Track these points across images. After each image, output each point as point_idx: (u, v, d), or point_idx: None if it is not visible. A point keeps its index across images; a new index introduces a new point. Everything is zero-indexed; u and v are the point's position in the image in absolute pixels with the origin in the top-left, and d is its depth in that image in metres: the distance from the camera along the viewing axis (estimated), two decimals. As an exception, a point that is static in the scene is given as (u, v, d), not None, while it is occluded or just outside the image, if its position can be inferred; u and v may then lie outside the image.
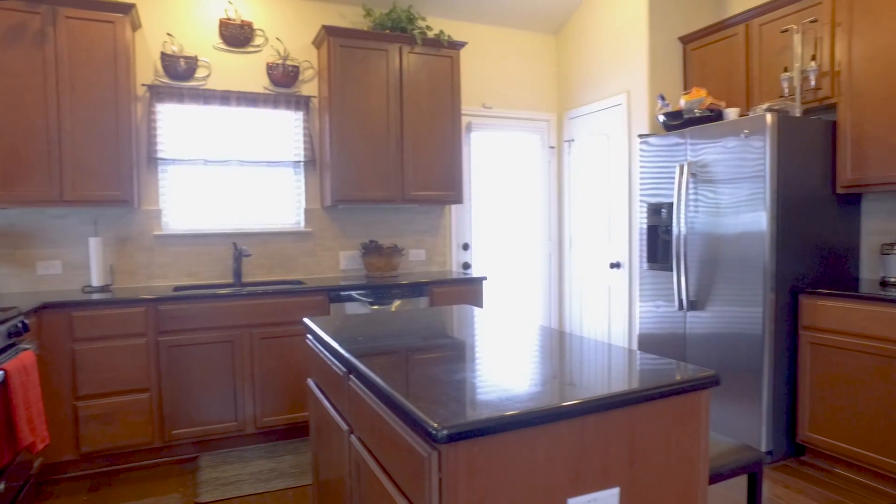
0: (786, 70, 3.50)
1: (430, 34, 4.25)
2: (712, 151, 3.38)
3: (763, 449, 3.20)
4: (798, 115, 3.33)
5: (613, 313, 4.51)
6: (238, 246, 4.01)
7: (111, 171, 3.43)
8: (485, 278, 4.18)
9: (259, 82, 4.09)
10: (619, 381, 1.32)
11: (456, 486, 1.08)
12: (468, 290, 4.09)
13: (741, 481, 2.96)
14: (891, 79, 2.99)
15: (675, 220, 3.60)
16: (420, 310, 2.56)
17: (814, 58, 3.35)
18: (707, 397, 1.37)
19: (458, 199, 4.30)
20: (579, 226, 4.85)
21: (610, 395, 1.23)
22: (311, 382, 2.29)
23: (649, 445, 1.28)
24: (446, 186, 4.27)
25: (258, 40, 4.09)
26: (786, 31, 3.50)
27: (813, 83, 3.33)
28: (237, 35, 3.99)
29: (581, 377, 1.37)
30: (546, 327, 2.04)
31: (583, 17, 4.72)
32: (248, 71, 4.06)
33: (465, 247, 4.77)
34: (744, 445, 1.83)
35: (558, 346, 1.74)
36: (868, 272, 3.43)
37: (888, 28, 2.99)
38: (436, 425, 1.05)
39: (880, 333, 2.79)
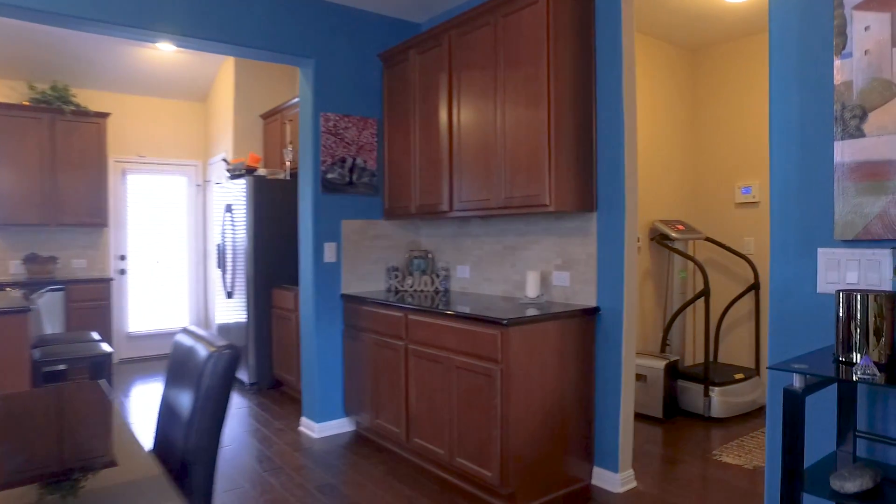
0: (290, 145, 5.57)
1: (84, 106, 5.97)
2: (241, 194, 5.35)
3: (248, 381, 5.20)
4: (284, 175, 5.39)
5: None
6: None
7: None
8: (112, 279, 5.93)
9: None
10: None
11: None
12: (103, 287, 5.84)
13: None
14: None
15: (223, 238, 5.57)
16: None
17: (291, 142, 5.44)
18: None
19: (104, 223, 6.02)
20: (213, 243, 6.73)
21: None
22: None
23: None
24: (95, 214, 5.98)
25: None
26: (287, 123, 5.58)
27: (290, 157, 5.42)
28: None
29: None
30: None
31: (216, 90, 6.64)
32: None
33: (123, 258, 6.49)
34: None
35: None
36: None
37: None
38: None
39: (290, 306, 4.86)
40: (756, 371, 4.61)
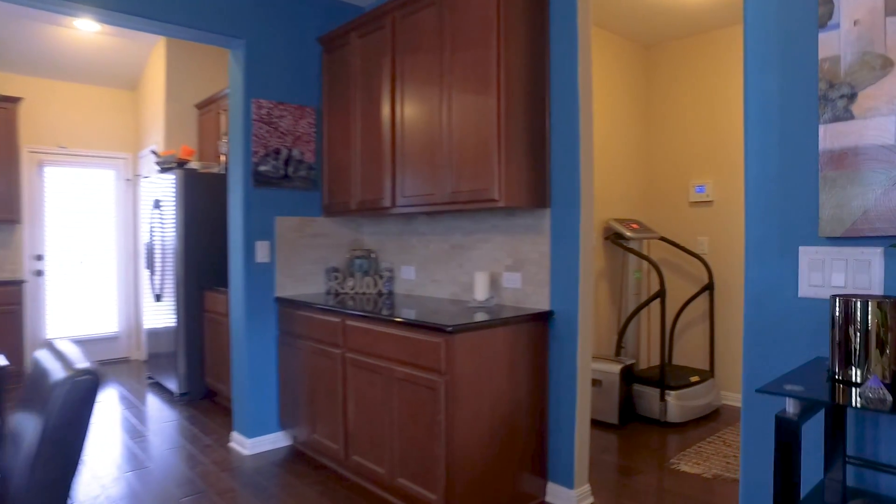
0: (225, 137, 5.17)
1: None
2: (171, 188, 4.92)
3: (177, 392, 4.79)
4: (219, 169, 4.99)
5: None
6: None
7: None
8: (25, 281, 5.40)
9: None
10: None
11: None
12: (14, 290, 5.31)
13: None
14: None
15: (151, 237, 5.12)
16: None
17: (226, 134, 5.05)
18: None
19: (16, 220, 5.49)
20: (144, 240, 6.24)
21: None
22: None
23: None
24: (5, 209, 5.44)
25: None
26: (223, 113, 5.18)
27: (225, 150, 5.02)
28: None
29: None
30: None
31: (147, 77, 6.16)
32: None
33: (40, 257, 5.95)
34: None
35: None
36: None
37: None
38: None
39: (223, 310, 4.47)
40: (711, 373, 4.48)
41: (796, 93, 1.56)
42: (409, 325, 2.70)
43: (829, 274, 1.46)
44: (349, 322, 3.11)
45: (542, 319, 2.89)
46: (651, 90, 5.09)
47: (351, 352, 3.10)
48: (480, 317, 2.71)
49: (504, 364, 2.71)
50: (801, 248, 1.56)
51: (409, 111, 3.23)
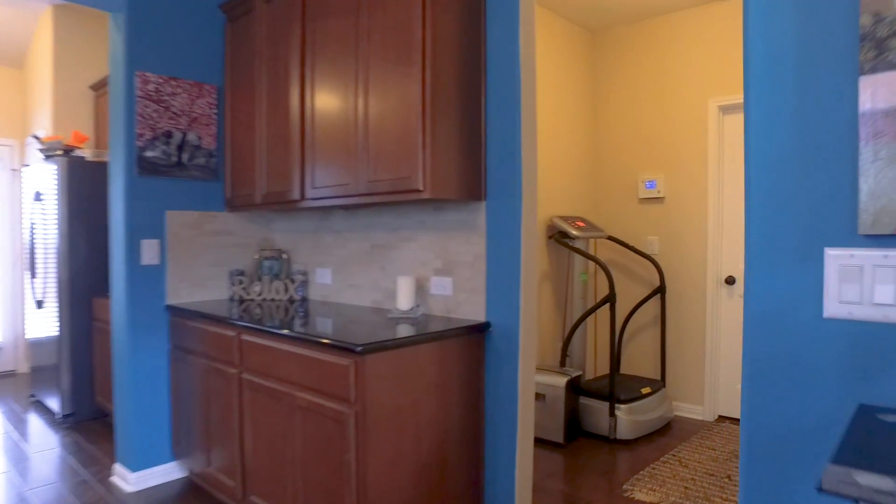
0: (122, 121, 4.50)
1: None
2: (53, 179, 4.21)
3: (60, 412, 4.11)
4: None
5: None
6: None
7: None
8: None
9: None
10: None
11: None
12: None
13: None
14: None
15: (31, 235, 4.41)
16: None
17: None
18: None
19: None
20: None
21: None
22: None
23: None
24: None
25: None
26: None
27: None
28: None
29: None
30: None
31: (33, 53, 5.39)
32: None
33: None
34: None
35: None
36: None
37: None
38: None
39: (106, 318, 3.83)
40: (662, 382, 4.14)
41: (823, 34, 1.11)
42: (311, 342, 2.20)
43: (870, 285, 1.04)
44: (245, 337, 2.58)
45: (477, 332, 2.44)
46: (597, 78, 4.73)
47: (248, 372, 2.57)
48: (403, 331, 2.24)
49: (431, 387, 2.25)
50: (827, 252, 1.11)
51: (320, 88, 2.72)
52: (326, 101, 2.69)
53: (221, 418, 2.74)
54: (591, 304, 4.54)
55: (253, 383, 2.52)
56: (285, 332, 2.31)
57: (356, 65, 2.53)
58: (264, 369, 2.46)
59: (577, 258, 4.23)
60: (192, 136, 3.26)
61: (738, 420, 4.12)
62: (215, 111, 3.36)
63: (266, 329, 2.41)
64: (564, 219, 4.14)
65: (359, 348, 1.98)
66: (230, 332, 2.67)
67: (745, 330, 1.21)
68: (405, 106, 2.31)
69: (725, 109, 4.10)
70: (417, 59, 2.27)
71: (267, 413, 2.45)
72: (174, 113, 3.19)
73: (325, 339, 2.12)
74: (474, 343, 2.43)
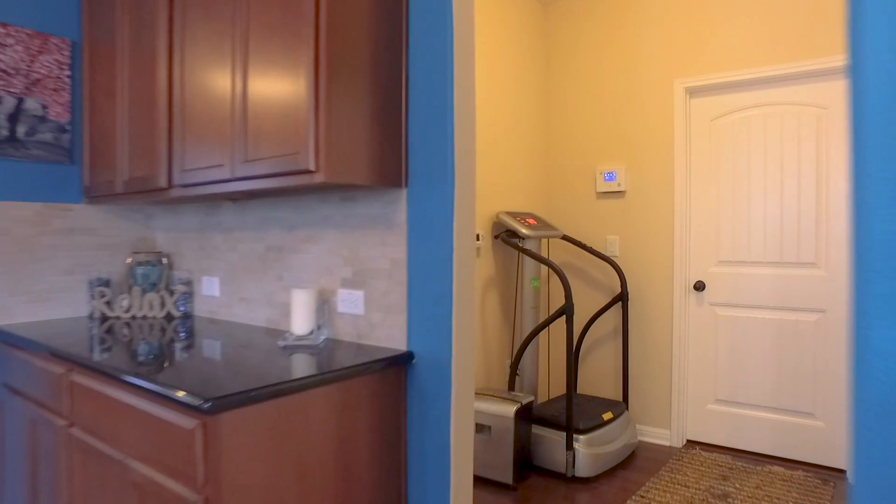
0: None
1: None
2: None
3: None
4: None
5: None
6: None
7: None
8: None
9: None
10: None
11: None
12: None
13: None
14: None
15: None
16: None
17: None
18: None
19: None
20: None
21: None
22: None
23: None
24: None
25: None
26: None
27: None
28: None
29: None
30: None
31: None
32: None
33: None
34: None
35: None
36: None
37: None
38: None
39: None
40: (625, 404, 3.60)
41: None
42: (146, 390, 1.51)
43: None
44: (76, 377, 1.86)
45: (395, 366, 1.79)
46: (550, 55, 4.16)
47: (79, 427, 1.86)
48: (301, 362, 1.58)
49: (329, 447, 1.59)
50: None
51: (192, 46, 2.03)
52: (198, 62, 1.99)
53: (46, 485, 2.01)
54: (543, 315, 3.96)
55: (83, 443, 1.80)
56: (114, 372, 1.61)
57: (233, 12, 1.85)
58: (97, 425, 1.75)
59: (528, 261, 3.64)
60: (32, 104, 2.50)
61: (709, 445, 3.61)
62: (68, 73, 2.61)
63: (99, 367, 1.70)
64: (512, 215, 3.54)
65: (206, 405, 1.31)
66: (58, 369, 1.94)
67: (855, 373, 0.61)
68: (292, 64, 1.65)
69: (693, 92, 3.58)
70: (309, 11, 1.61)
71: (98, 488, 1.74)
72: (4, 70, 2.42)
73: (156, 389, 1.44)
74: (392, 380, 1.79)
